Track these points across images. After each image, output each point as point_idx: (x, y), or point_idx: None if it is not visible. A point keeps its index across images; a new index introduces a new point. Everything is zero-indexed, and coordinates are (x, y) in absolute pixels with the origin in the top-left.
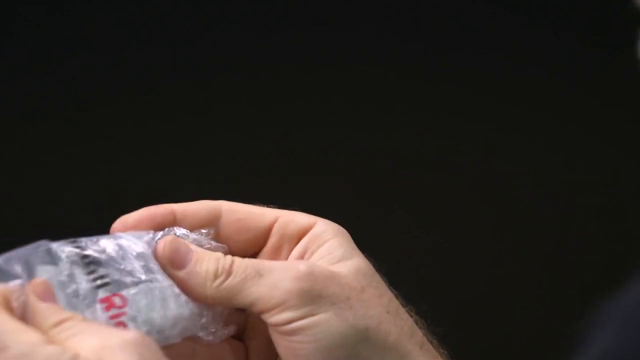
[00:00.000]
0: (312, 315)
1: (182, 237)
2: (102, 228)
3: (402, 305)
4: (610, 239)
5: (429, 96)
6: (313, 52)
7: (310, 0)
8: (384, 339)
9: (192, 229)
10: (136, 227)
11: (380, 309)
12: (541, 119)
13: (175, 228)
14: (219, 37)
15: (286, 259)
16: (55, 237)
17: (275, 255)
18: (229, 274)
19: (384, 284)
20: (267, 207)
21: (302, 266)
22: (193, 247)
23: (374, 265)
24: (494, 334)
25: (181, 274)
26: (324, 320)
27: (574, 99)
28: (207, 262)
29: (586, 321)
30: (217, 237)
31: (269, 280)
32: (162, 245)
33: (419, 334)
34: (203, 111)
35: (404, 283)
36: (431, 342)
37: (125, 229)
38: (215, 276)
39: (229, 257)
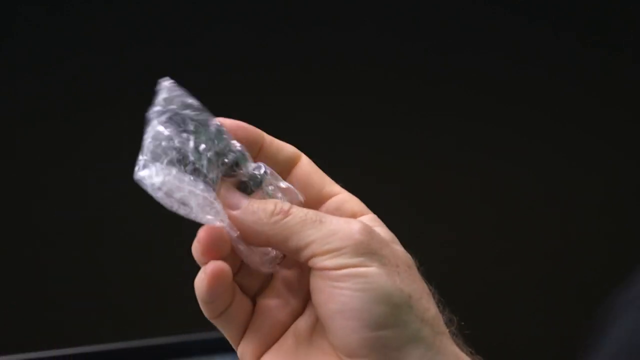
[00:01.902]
0: (365, 266)
1: (262, 175)
2: (102, 227)
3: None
4: (610, 239)
5: (429, 96)
6: (313, 52)
7: (310, 0)
8: (423, 311)
9: (271, 160)
10: (230, 130)
11: (423, 286)
12: (541, 119)
13: (263, 165)
14: (219, 37)
15: None
16: (55, 236)
17: (329, 212)
18: (286, 214)
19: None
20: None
21: (361, 224)
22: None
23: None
24: (494, 333)
25: (237, 212)
26: (375, 274)
27: (574, 99)
28: (263, 203)
29: (602, 312)
30: (286, 175)
31: (329, 227)
32: (219, 190)
33: (446, 328)
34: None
35: None
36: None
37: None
38: (272, 214)
39: (287, 202)
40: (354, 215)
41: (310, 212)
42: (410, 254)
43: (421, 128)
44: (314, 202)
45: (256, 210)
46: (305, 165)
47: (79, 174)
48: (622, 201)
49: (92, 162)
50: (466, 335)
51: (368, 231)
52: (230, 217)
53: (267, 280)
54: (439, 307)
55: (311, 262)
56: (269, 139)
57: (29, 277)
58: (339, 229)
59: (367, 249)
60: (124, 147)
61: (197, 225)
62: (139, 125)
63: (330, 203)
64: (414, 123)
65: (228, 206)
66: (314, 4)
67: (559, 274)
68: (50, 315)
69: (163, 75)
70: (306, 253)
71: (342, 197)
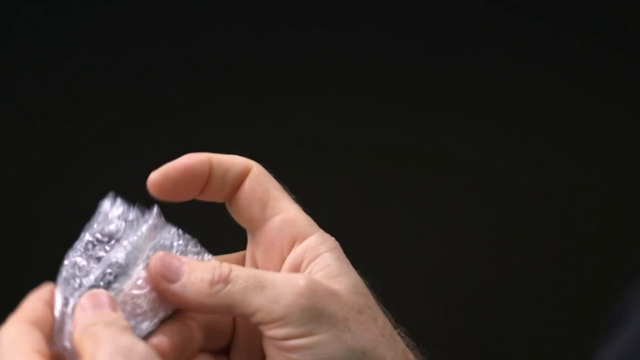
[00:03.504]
0: (312, 334)
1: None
2: None
3: (394, 327)
4: (610, 239)
5: (429, 96)
6: (313, 52)
7: (310, 0)
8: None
9: (220, 183)
10: (177, 177)
11: (376, 332)
12: (541, 119)
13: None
14: (219, 37)
15: (278, 249)
16: (55, 237)
17: (269, 235)
18: (227, 281)
19: (377, 305)
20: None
21: (303, 281)
22: (186, 258)
23: (367, 284)
24: (494, 334)
25: (176, 286)
26: (324, 341)
27: (574, 99)
28: (201, 271)
29: (618, 304)
30: (235, 193)
31: (271, 293)
32: (153, 262)
33: (411, 357)
34: (203, 111)
35: (404, 283)
36: None
37: (166, 180)
38: (212, 284)
39: (225, 265)
40: (294, 239)
41: (251, 276)
42: (410, 254)
43: (421, 128)
44: (256, 223)
45: (195, 281)
46: (252, 180)
47: (78, 174)
48: (622, 201)
49: (92, 162)
50: (465, 335)
51: (312, 290)
52: (170, 293)
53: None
54: (401, 336)
55: (260, 329)
56: (216, 161)
57: (29, 277)
58: (281, 294)
59: (313, 314)
60: (124, 147)
61: (197, 226)
62: (139, 125)
63: (272, 225)
64: (413, 123)
65: (166, 279)
66: (314, 4)
67: (558, 274)
68: None
69: (163, 75)
70: (254, 320)
71: (284, 217)
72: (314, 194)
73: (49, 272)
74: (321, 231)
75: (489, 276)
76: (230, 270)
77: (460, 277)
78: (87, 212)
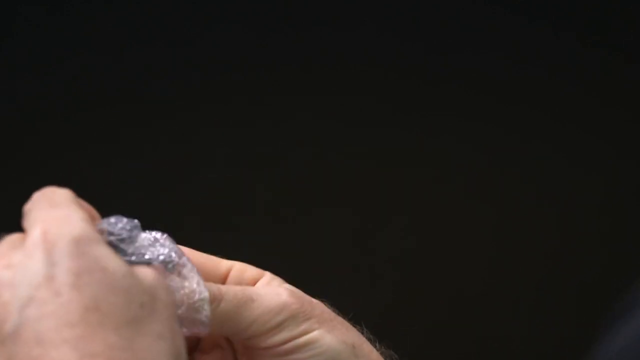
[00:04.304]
0: (308, 332)
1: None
2: None
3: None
4: (610, 239)
5: (429, 96)
6: (313, 52)
7: (310, 0)
8: (368, 356)
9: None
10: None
11: (356, 332)
12: (541, 119)
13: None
14: (219, 37)
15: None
16: None
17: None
18: (220, 299)
19: None
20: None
21: (285, 291)
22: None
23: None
24: (494, 334)
25: None
26: (320, 337)
27: (574, 99)
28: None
29: (618, 303)
30: None
31: (263, 304)
32: None
33: None
34: (203, 111)
35: (404, 283)
36: None
37: None
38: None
39: (213, 284)
40: (254, 282)
41: (239, 291)
42: (411, 254)
43: (421, 128)
44: (217, 281)
45: None
46: (193, 254)
47: (78, 173)
48: (622, 201)
49: (92, 162)
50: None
51: (297, 296)
52: None
53: None
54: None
55: (252, 343)
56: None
57: None
58: (272, 304)
59: (304, 316)
60: (124, 147)
61: (200, 224)
62: (139, 125)
63: (231, 278)
64: (413, 123)
65: None
66: (314, 4)
67: (558, 274)
68: None
69: (163, 75)
70: (246, 334)
71: (238, 267)
72: (313, 193)
73: None
74: (269, 273)
75: (488, 276)
76: (219, 288)
77: (460, 277)
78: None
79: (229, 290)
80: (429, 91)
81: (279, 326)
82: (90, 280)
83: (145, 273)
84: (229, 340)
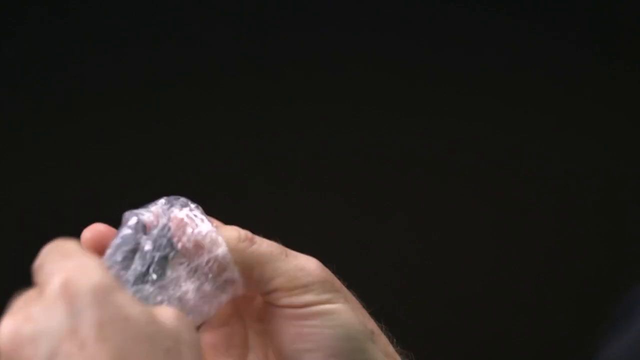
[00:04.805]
0: (332, 302)
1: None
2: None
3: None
4: (610, 239)
5: (429, 96)
6: (313, 52)
7: (310, 0)
8: (385, 346)
9: None
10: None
11: (375, 324)
12: (541, 120)
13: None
14: (219, 37)
15: None
16: (55, 236)
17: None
18: (252, 241)
19: None
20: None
21: (318, 261)
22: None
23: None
24: (494, 334)
25: None
26: (343, 310)
27: (574, 99)
28: (228, 229)
29: (620, 305)
30: None
31: (295, 262)
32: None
33: (391, 350)
34: (203, 111)
35: (404, 284)
36: None
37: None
38: (239, 240)
39: (243, 230)
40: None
41: (273, 243)
42: (411, 254)
43: (421, 128)
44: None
45: (222, 233)
46: None
47: (78, 174)
48: (622, 201)
49: (92, 162)
50: (465, 335)
51: (329, 271)
52: (193, 240)
53: None
54: (392, 343)
55: (273, 297)
56: None
57: (29, 276)
58: (304, 265)
59: (332, 287)
60: (124, 148)
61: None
62: (139, 125)
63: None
64: (413, 123)
65: (192, 226)
66: (314, 4)
67: (558, 274)
68: None
69: (163, 75)
70: (269, 286)
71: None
72: (313, 193)
73: None
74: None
75: (488, 276)
76: (253, 235)
77: (459, 277)
78: (87, 211)
79: (264, 240)
80: (429, 91)
81: (306, 287)
82: (114, 330)
83: (167, 315)
84: (240, 317)
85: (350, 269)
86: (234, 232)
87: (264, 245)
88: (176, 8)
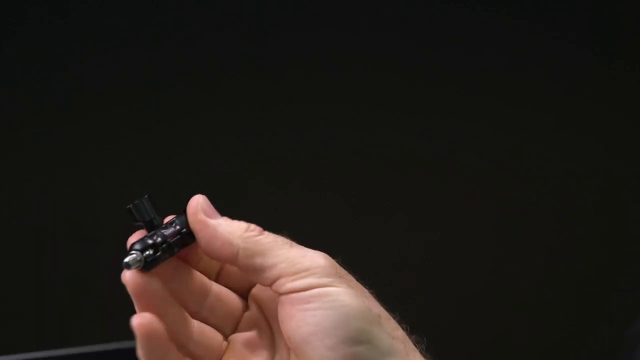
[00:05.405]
0: (334, 286)
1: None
2: (102, 227)
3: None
4: (610, 239)
5: (429, 96)
6: (313, 52)
7: (310, 0)
8: (393, 330)
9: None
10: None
11: (387, 313)
12: (541, 120)
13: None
14: (219, 37)
15: None
16: (55, 236)
17: None
18: (261, 233)
19: None
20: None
21: (324, 254)
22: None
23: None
24: (494, 334)
25: (212, 221)
26: (344, 293)
27: (574, 99)
28: (237, 221)
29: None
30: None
31: (298, 251)
32: (195, 198)
33: (400, 334)
34: (203, 111)
35: (403, 284)
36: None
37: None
38: (247, 230)
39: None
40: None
41: (279, 236)
42: (411, 254)
43: (421, 128)
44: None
45: (232, 223)
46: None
47: (78, 174)
48: (622, 201)
49: (92, 162)
50: (465, 335)
51: (334, 261)
52: (206, 225)
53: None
54: (405, 330)
55: (277, 285)
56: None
57: (29, 276)
58: (307, 253)
59: (334, 272)
60: (124, 148)
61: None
62: (139, 125)
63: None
64: (413, 123)
65: (207, 215)
66: (314, 4)
67: (558, 274)
68: (50, 315)
69: (163, 75)
70: (272, 273)
71: None
72: (312, 193)
73: (50, 271)
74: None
75: (488, 276)
76: (262, 228)
77: (459, 277)
78: (87, 211)
79: (273, 234)
80: (429, 91)
81: (308, 270)
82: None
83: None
84: (267, 320)
85: (350, 269)
86: (242, 224)
87: (271, 236)
88: (176, 8)
